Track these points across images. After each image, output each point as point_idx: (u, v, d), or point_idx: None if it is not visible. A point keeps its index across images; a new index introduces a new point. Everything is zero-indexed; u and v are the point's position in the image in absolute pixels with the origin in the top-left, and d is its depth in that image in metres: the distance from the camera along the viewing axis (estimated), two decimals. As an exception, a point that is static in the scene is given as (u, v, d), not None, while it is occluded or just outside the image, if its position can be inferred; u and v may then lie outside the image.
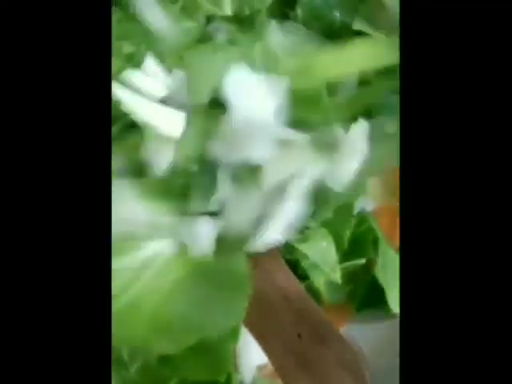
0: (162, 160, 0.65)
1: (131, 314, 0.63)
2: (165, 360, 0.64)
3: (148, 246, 0.66)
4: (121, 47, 0.66)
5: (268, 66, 0.70)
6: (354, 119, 0.74)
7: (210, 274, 0.66)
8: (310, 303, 0.69)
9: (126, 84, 0.64)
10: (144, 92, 0.65)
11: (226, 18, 0.71)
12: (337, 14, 0.75)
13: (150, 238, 0.65)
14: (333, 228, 0.75)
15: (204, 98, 0.66)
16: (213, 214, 0.68)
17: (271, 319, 0.67)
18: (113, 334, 0.56)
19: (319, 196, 0.72)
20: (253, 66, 0.69)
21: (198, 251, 0.67)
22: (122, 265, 0.64)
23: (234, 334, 0.66)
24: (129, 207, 0.64)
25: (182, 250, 0.66)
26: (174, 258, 0.66)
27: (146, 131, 0.65)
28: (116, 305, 0.63)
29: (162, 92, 0.66)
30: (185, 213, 0.66)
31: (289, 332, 0.67)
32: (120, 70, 0.64)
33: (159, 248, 0.66)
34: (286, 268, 0.71)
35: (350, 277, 0.78)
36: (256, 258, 0.68)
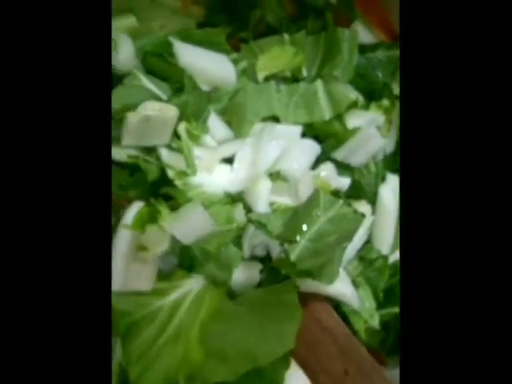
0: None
1: (174, 347, 0.67)
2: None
3: (182, 284, 0.70)
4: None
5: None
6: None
7: (261, 305, 0.70)
8: (354, 342, 0.73)
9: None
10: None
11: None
12: (379, 75, 0.81)
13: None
14: (369, 279, 0.79)
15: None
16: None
17: (320, 356, 0.71)
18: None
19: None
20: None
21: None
22: (161, 304, 0.69)
23: (285, 361, 0.69)
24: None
25: (212, 284, 0.71)
26: (206, 292, 0.70)
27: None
28: (159, 341, 0.68)
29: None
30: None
31: (337, 368, 0.70)
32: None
33: (192, 284, 0.70)
34: (331, 309, 0.75)
35: (384, 324, 0.80)
36: (304, 298, 0.72)
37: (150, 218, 0.69)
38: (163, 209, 0.69)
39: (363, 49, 0.81)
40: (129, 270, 0.69)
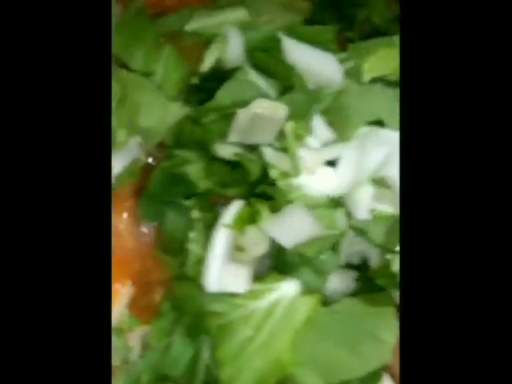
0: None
1: (267, 352, 0.67)
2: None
3: (276, 287, 0.69)
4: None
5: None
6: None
7: (356, 315, 0.68)
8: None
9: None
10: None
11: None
12: None
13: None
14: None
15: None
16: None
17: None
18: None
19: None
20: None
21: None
22: (255, 306, 0.68)
23: (377, 373, 0.68)
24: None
25: (307, 289, 0.69)
26: (300, 298, 0.69)
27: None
28: (253, 344, 0.67)
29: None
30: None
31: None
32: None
33: (286, 289, 0.69)
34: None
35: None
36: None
37: (249, 218, 0.67)
38: (264, 210, 0.67)
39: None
40: (224, 270, 0.68)
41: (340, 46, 0.76)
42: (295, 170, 0.67)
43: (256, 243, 0.67)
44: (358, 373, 0.66)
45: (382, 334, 0.67)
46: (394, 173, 0.70)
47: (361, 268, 0.72)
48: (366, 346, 0.67)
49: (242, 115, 0.66)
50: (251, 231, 0.67)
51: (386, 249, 0.67)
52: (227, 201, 0.70)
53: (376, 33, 0.78)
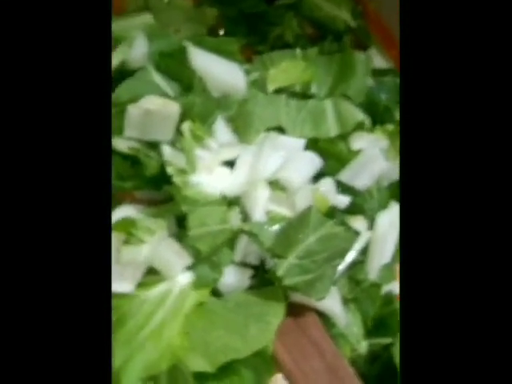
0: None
1: (157, 339, 0.68)
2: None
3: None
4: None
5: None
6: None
7: (246, 304, 0.70)
8: (341, 359, 0.72)
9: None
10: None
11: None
12: (383, 98, 0.82)
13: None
14: (360, 305, 0.78)
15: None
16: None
17: (306, 370, 0.70)
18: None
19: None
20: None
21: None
22: (146, 296, 0.69)
23: (269, 368, 0.69)
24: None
25: (200, 281, 0.71)
26: (192, 288, 0.71)
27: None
28: (144, 331, 0.68)
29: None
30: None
31: (321, 382, 0.70)
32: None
33: (179, 279, 0.71)
34: (321, 325, 0.74)
35: (370, 353, 0.79)
36: (294, 312, 0.72)
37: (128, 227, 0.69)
38: (143, 234, 0.69)
39: (373, 72, 0.82)
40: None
41: (247, 57, 0.80)
42: (191, 168, 0.70)
43: (132, 254, 0.69)
44: (243, 354, 0.67)
45: (268, 317, 0.69)
46: (289, 176, 0.73)
47: (258, 268, 0.73)
48: (252, 328, 0.68)
49: (133, 110, 0.68)
50: (128, 244, 0.69)
51: (273, 254, 0.69)
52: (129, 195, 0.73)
53: (287, 48, 0.82)
